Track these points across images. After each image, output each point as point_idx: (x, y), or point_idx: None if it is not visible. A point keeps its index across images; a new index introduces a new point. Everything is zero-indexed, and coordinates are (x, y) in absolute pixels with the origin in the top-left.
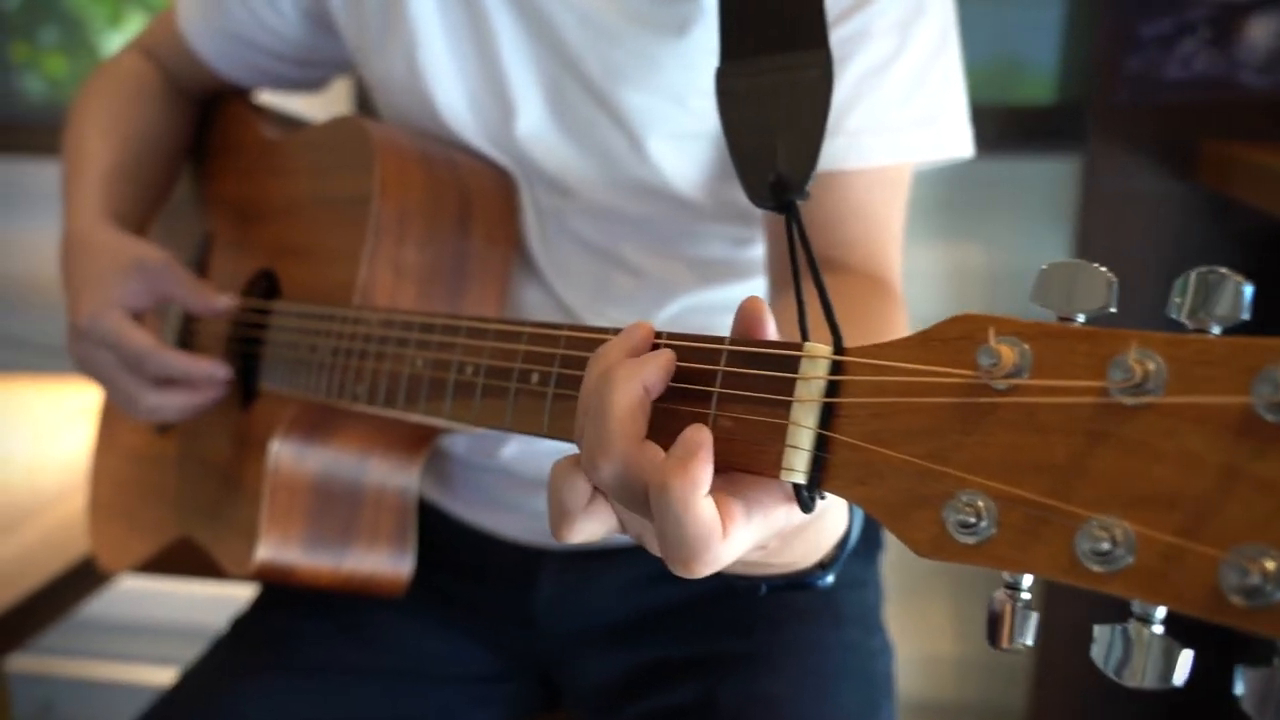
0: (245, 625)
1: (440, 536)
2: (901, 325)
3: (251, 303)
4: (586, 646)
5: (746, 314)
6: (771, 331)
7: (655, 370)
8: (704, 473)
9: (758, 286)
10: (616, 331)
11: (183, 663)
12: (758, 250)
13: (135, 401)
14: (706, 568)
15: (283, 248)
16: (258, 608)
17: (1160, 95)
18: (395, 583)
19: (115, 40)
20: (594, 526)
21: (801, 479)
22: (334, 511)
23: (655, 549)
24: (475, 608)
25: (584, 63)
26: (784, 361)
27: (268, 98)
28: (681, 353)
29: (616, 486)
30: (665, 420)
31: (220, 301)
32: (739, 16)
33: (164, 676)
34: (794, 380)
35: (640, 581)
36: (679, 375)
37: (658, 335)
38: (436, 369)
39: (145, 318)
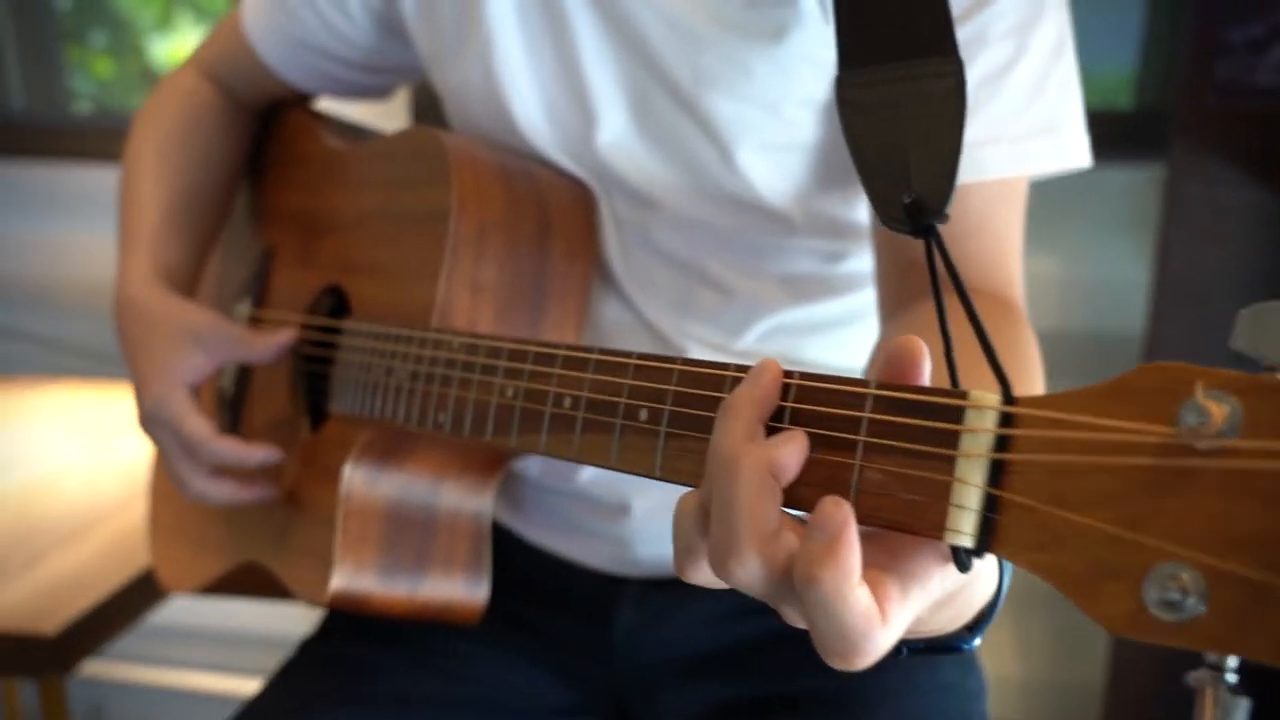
0: (315, 652)
1: (514, 562)
2: (1034, 354)
3: (319, 321)
4: (667, 680)
5: (899, 355)
6: (926, 376)
7: (787, 456)
8: (854, 559)
9: (850, 303)
10: (736, 368)
11: (234, 668)
12: (850, 265)
13: (185, 485)
14: (867, 658)
15: (351, 263)
16: (327, 634)
17: (1250, 102)
18: (470, 610)
19: (163, 43)
20: None
21: (969, 542)
22: (408, 538)
23: (800, 624)
24: (552, 636)
25: (672, 70)
26: (945, 411)
27: (326, 105)
28: (820, 395)
29: (753, 586)
30: (803, 468)
31: (278, 340)
32: (859, 20)
33: (215, 682)
34: (958, 433)
35: (726, 613)
36: (818, 420)
37: (788, 375)
38: (530, 399)
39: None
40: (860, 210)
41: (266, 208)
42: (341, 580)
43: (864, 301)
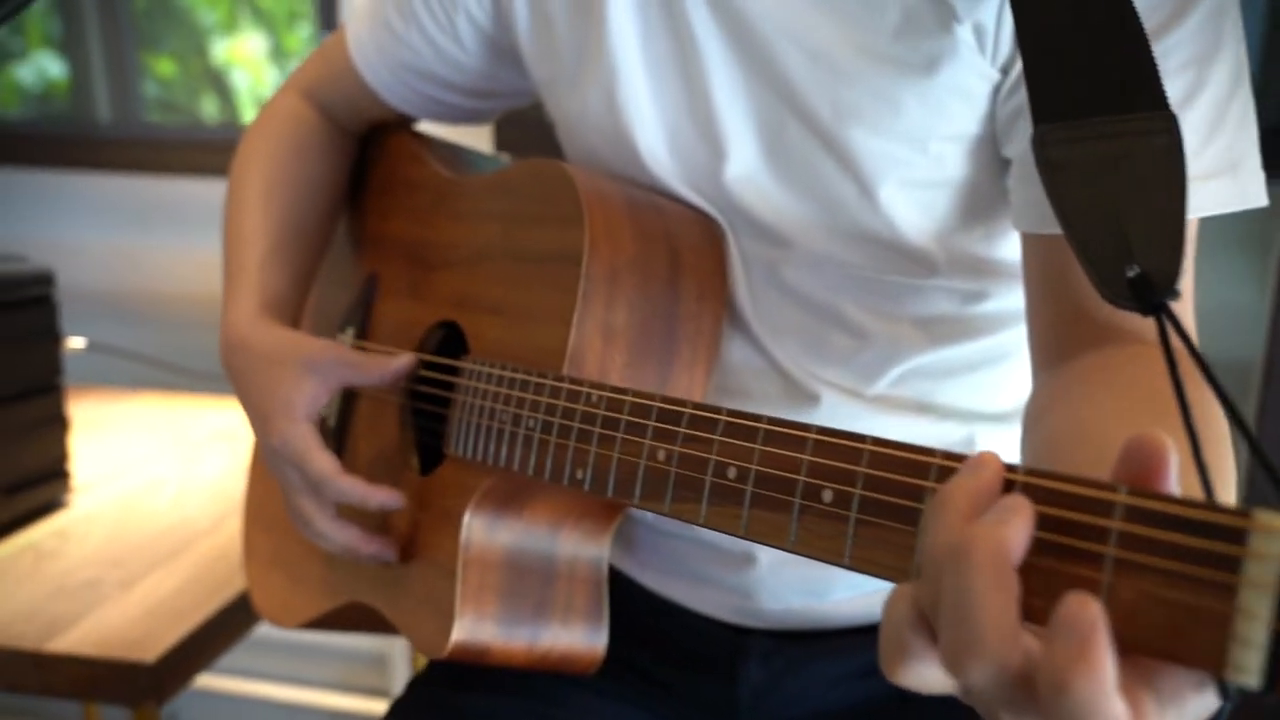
0: (426, 698)
1: (630, 608)
2: (1220, 417)
3: (438, 360)
4: None
5: (1142, 453)
6: (1174, 480)
7: (1017, 532)
8: (1109, 664)
9: (989, 345)
10: (943, 455)
11: (305, 680)
12: (990, 306)
13: (309, 524)
14: None
15: (468, 300)
16: (437, 678)
17: None
18: (589, 660)
19: (225, 45)
20: (936, 678)
21: (1255, 681)
22: (527, 587)
23: None
24: (672, 688)
25: (811, 102)
26: (1223, 531)
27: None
28: (1054, 496)
29: (992, 690)
30: (1033, 578)
31: (395, 365)
32: (1055, 68)
33: (289, 694)
34: (1240, 558)
35: (858, 672)
36: (1053, 525)
37: (1010, 469)
38: (686, 465)
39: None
40: (1002, 249)
41: (369, 234)
42: (462, 632)
43: (1004, 343)
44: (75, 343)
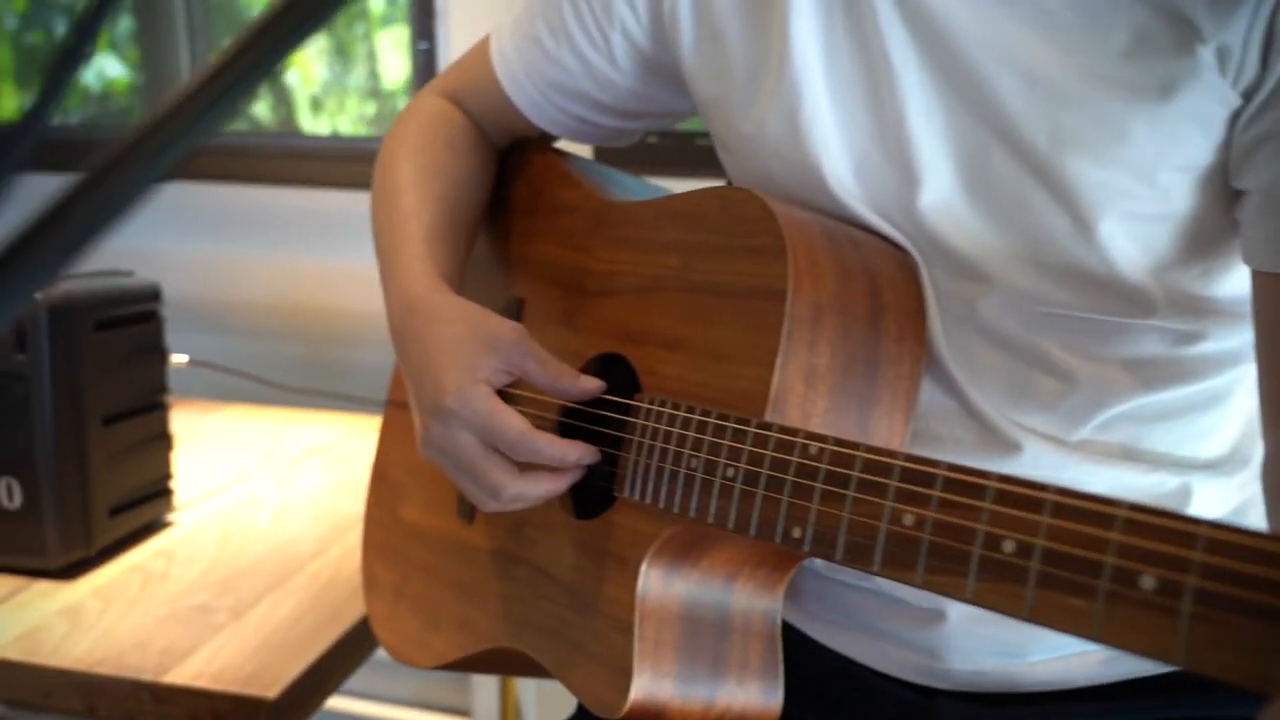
0: None
1: (799, 664)
2: None
3: (609, 394)
4: None
5: None
6: None
7: None
8: None
9: (1202, 389)
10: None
11: (381, 696)
12: (1204, 348)
13: (499, 489)
14: None
15: (637, 333)
16: None
17: None
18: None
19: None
20: None
21: None
22: (703, 642)
23: None
24: None
25: (1024, 129)
26: None
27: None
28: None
29: None
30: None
31: (586, 386)
32: None
33: (363, 708)
34: None
35: None
36: None
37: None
38: (945, 534)
39: None
40: (1220, 287)
41: (512, 255)
42: (640, 691)
43: (1219, 386)
44: (178, 359)
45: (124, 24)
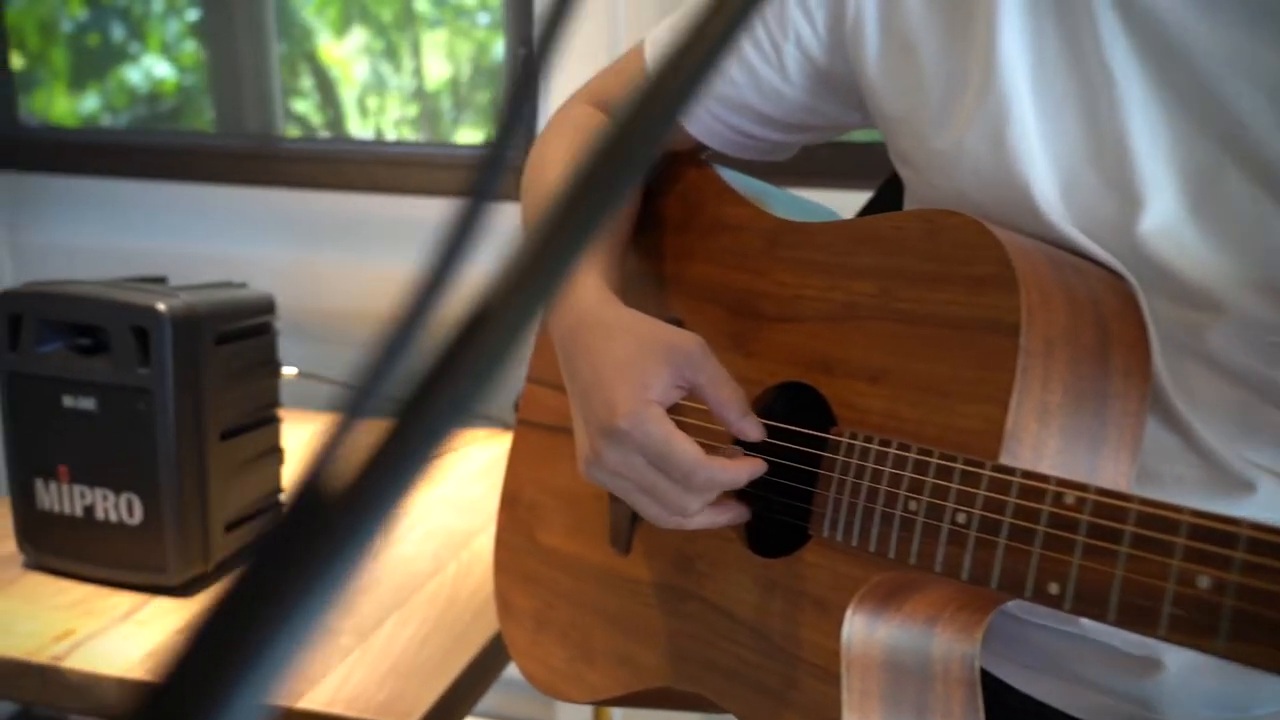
0: None
1: (995, 709)
2: None
3: (798, 425)
4: None
5: None
6: None
7: None
8: None
9: None
10: None
11: (493, 712)
12: None
13: (686, 508)
14: None
15: (828, 362)
16: None
17: None
18: None
19: (336, 48)
20: None
21: None
22: (906, 690)
23: None
24: None
25: (1265, 148)
26: None
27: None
28: None
29: None
30: None
31: (748, 427)
32: None
33: None
34: None
35: None
36: None
37: None
38: (1248, 599)
39: None
40: None
41: (666, 273)
42: None
43: None
44: (287, 371)
45: (173, 26)
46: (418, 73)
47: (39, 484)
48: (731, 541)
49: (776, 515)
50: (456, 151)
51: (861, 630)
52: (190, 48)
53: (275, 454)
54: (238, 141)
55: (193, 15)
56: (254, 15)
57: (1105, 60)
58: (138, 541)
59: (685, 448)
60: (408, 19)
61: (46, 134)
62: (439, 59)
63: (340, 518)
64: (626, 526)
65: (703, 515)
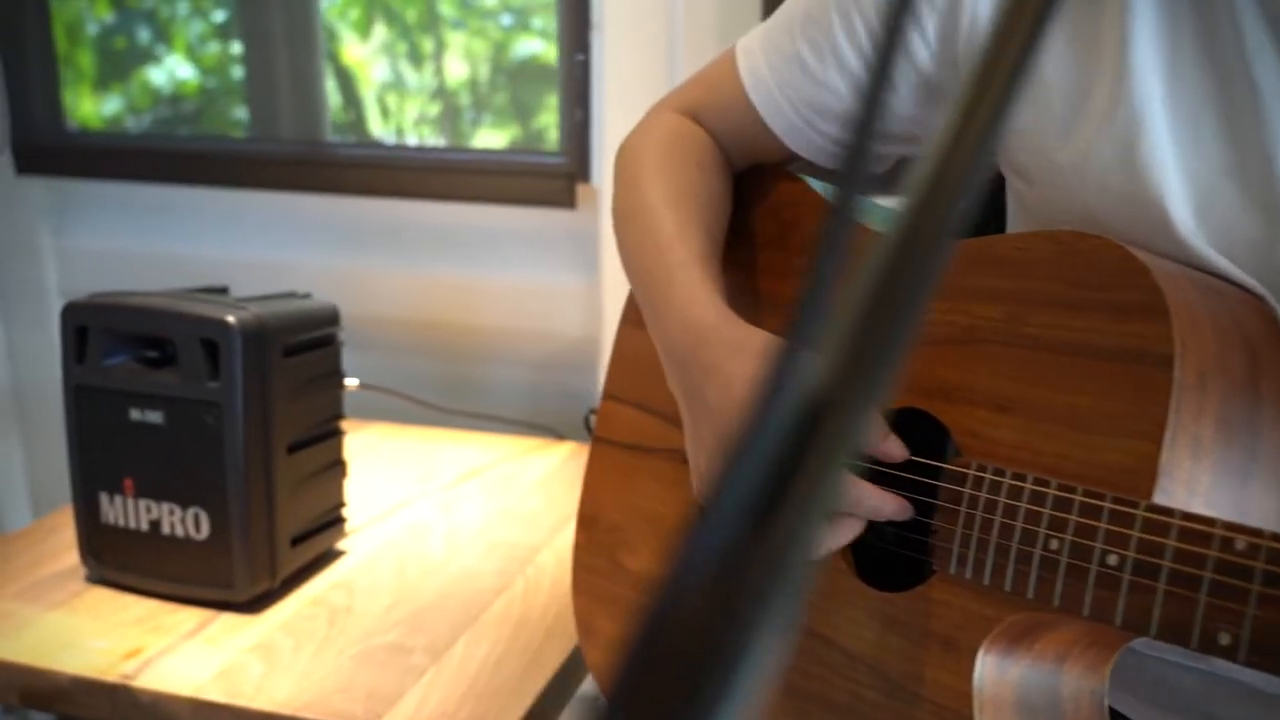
0: None
1: None
2: None
3: (916, 455)
4: None
5: None
6: None
7: None
8: None
9: None
10: None
11: None
12: None
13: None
14: None
15: (948, 389)
16: None
17: None
18: None
19: (357, 48)
20: None
21: None
22: None
23: None
24: None
25: None
26: None
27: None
28: None
29: None
30: None
31: (891, 448)
32: None
33: None
34: None
35: None
36: None
37: None
38: None
39: None
40: None
41: (760, 291)
42: None
43: None
44: (349, 383)
45: (196, 26)
46: (438, 72)
47: (104, 498)
48: (843, 573)
49: (888, 546)
50: (508, 158)
51: (993, 671)
52: (214, 49)
53: (338, 467)
54: (287, 147)
55: (219, 16)
56: (293, 18)
57: (1251, 73)
58: (204, 557)
59: None
60: (431, 20)
61: (91, 139)
62: (457, 59)
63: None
64: None
65: (832, 535)
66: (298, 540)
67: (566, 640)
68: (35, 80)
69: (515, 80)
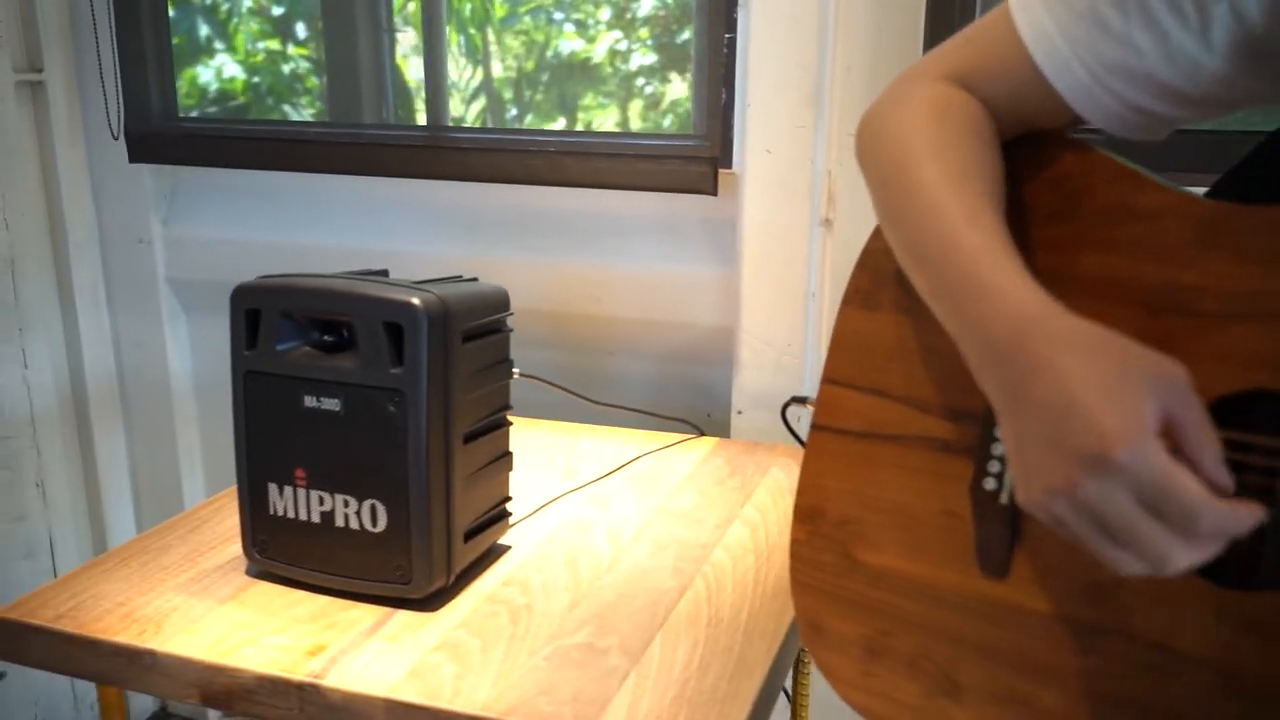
0: None
1: None
2: None
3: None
4: None
5: None
6: None
7: None
8: None
9: None
10: None
11: None
12: None
13: (1166, 560)
14: None
15: None
16: None
17: None
18: None
19: (405, 42)
20: None
21: None
22: None
23: None
24: None
25: None
26: None
27: None
28: None
29: None
30: None
31: (1243, 515)
32: None
33: None
34: None
35: None
36: None
37: None
38: None
39: None
40: None
41: (1044, 269)
42: None
43: None
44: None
45: (251, 25)
46: (484, 66)
47: (273, 488)
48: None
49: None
50: (646, 143)
51: None
52: (263, 48)
53: (506, 458)
54: (404, 134)
55: (276, 11)
56: (373, 12)
57: None
58: (380, 551)
59: (1192, 486)
60: (486, 16)
61: (205, 125)
62: (501, 53)
63: None
64: (1003, 547)
65: (1188, 555)
66: (471, 534)
67: (767, 642)
68: (151, 68)
69: (557, 76)
